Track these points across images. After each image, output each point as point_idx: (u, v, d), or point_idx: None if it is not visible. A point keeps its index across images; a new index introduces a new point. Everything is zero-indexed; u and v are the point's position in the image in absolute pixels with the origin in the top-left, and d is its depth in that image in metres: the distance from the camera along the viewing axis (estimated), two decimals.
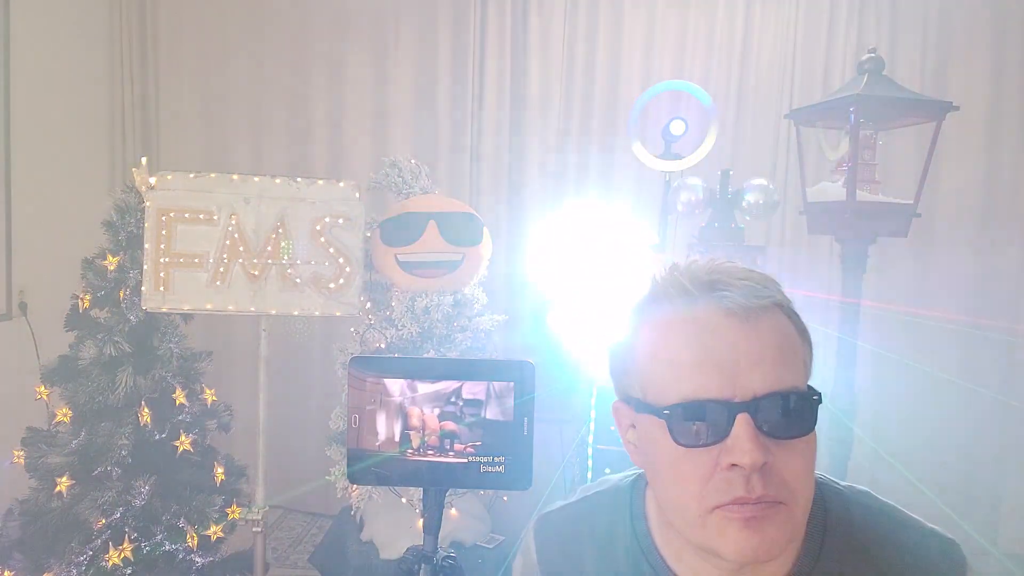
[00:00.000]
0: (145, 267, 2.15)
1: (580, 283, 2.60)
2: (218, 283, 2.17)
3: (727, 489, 0.67)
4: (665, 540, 0.80)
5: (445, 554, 0.88)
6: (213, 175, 2.20)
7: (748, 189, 2.44)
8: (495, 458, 0.84)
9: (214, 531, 2.28)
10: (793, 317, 0.73)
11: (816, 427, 0.71)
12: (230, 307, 2.19)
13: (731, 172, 2.51)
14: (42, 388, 2.21)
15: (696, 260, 0.76)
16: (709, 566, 0.75)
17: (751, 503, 0.67)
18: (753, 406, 0.67)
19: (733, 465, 0.67)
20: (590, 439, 2.28)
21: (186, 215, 2.17)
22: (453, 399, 0.84)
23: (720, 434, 0.68)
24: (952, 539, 0.79)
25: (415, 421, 0.84)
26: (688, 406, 0.69)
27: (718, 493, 0.68)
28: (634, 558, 0.82)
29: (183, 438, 2.27)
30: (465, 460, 0.84)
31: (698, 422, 0.68)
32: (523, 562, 0.92)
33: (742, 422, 0.67)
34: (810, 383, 0.72)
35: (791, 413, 0.68)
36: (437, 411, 0.83)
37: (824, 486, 0.80)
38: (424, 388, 0.84)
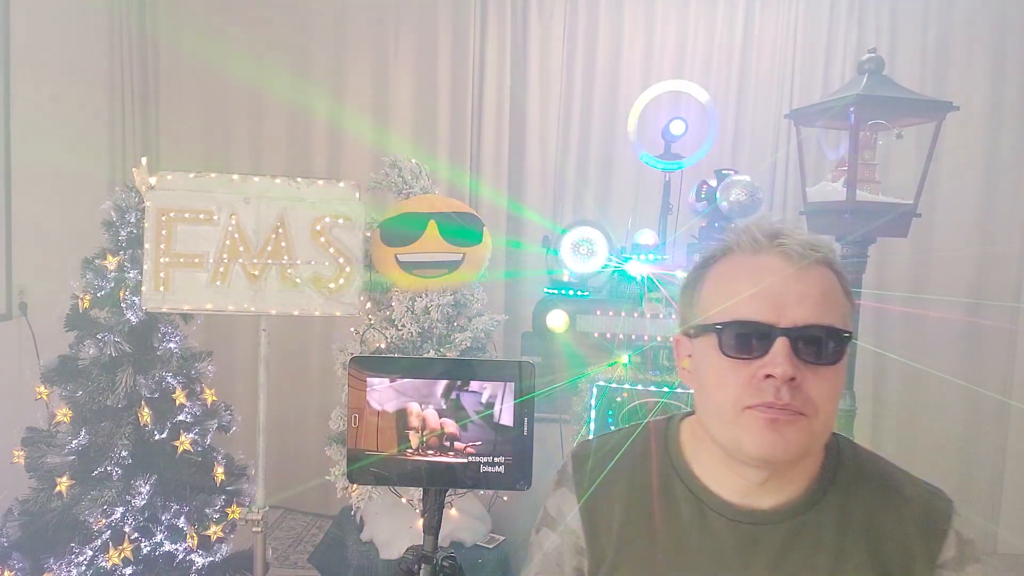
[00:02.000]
0: (145, 267, 2.14)
1: (580, 282, 2.60)
2: (218, 283, 2.17)
3: (759, 394, 0.80)
4: (696, 459, 0.92)
5: (445, 554, 0.88)
6: (213, 175, 2.20)
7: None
8: (495, 458, 0.84)
9: (214, 531, 2.28)
10: (841, 277, 0.85)
11: (844, 364, 0.82)
12: (230, 307, 2.19)
13: (730, 172, 2.51)
14: (42, 388, 2.20)
15: (766, 217, 0.93)
16: (736, 476, 0.87)
17: (777, 408, 0.79)
18: (792, 332, 0.80)
19: (768, 376, 0.79)
20: (590, 439, 2.28)
21: (186, 215, 2.17)
22: (453, 399, 0.84)
23: (762, 351, 0.80)
24: (941, 489, 0.91)
25: (415, 421, 0.84)
26: (738, 324, 0.82)
27: (751, 396, 0.80)
28: (666, 474, 0.93)
29: (183, 438, 2.26)
30: (465, 460, 0.84)
31: (744, 338, 0.81)
32: (559, 479, 1.00)
33: (781, 343, 0.79)
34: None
35: (823, 344, 0.80)
36: (437, 411, 0.84)
37: (842, 438, 0.94)
38: (424, 388, 0.84)
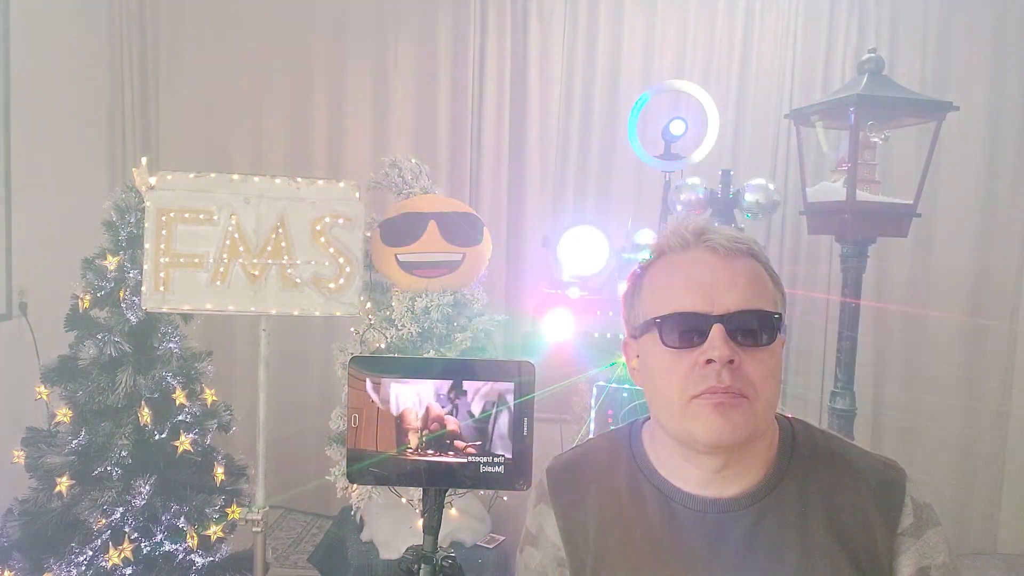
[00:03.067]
0: (145, 267, 2.14)
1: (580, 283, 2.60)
2: (218, 283, 2.17)
3: (702, 381, 0.84)
4: (659, 458, 0.95)
5: (445, 554, 0.88)
6: (213, 175, 2.20)
7: (748, 189, 2.44)
8: (495, 458, 0.84)
9: (214, 531, 2.28)
10: (767, 267, 0.91)
11: (777, 341, 0.87)
12: (230, 307, 2.19)
13: (731, 172, 2.50)
14: (42, 388, 2.20)
15: (690, 217, 0.96)
16: (694, 468, 0.91)
17: (720, 391, 0.83)
18: (726, 319, 0.84)
19: (708, 361, 0.84)
20: (590, 439, 2.28)
21: (186, 215, 2.17)
22: (453, 399, 0.84)
23: (699, 339, 0.85)
24: (894, 460, 0.94)
25: (414, 421, 0.84)
26: (676, 316, 0.87)
27: (695, 384, 0.84)
28: (633, 477, 0.96)
29: (183, 438, 2.26)
30: (465, 460, 0.84)
31: (683, 328, 0.86)
32: (536, 496, 1.03)
33: (716, 329, 0.84)
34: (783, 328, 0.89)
35: (756, 326, 0.86)
36: (437, 411, 0.83)
37: (796, 421, 0.98)
38: (424, 388, 0.84)
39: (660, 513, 0.92)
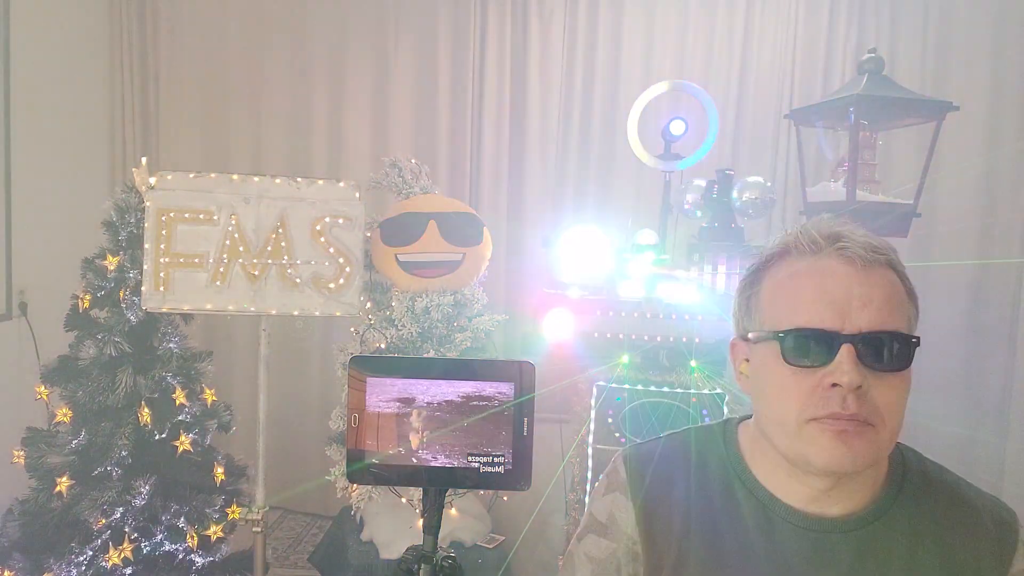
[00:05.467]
0: (145, 267, 2.14)
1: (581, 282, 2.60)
2: (218, 283, 2.17)
3: (824, 404, 0.77)
4: (757, 465, 0.89)
5: (445, 554, 0.88)
6: (213, 175, 2.20)
7: (743, 186, 2.44)
8: (495, 458, 0.84)
9: (214, 531, 2.28)
10: (903, 278, 0.83)
11: (911, 369, 0.80)
12: (230, 307, 2.19)
13: (731, 172, 2.51)
14: (42, 388, 2.20)
15: (825, 218, 0.86)
16: (799, 484, 0.85)
17: (844, 419, 0.77)
18: (857, 339, 0.77)
19: (834, 385, 0.77)
20: (590, 439, 2.28)
21: (186, 215, 2.17)
22: (453, 399, 0.84)
23: (826, 359, 0.78)
24: (1008, 506, 0.89)
25: (415, 421, 0.84)
26: (802, 332, 0.79)
27: (816, 407, 0.78)
28: (727, 480, 0.90)
29: (183, 438, 2.26)
30: (465, 460, 0.84)
31: (808, 346, 0.79)
32: (608, 483, 0.97)
33: (846, 351, 0.77)
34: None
35: (889, 350, 0.78)
36: (437, 411, 0.83)
37: (907, 448, 0.92)
38: (424, 388, 0.84)
39: (757, 522, 0.87)
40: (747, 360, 0.88)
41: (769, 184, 2.46)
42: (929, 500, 0.87)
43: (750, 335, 0.87)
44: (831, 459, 0.77)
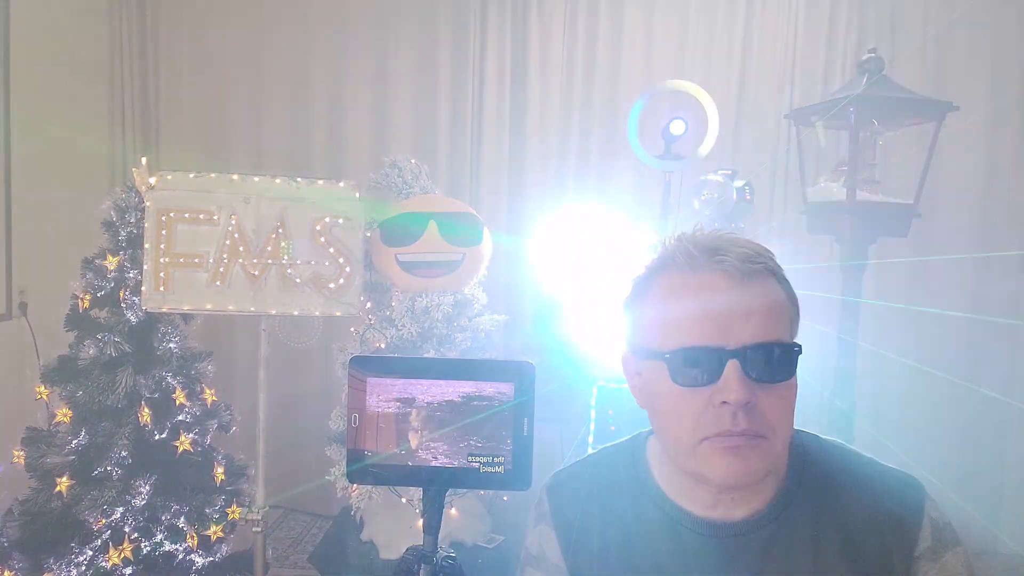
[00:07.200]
0: (145, 267, 2.14)
1: (582, 282, 2.60)
2: (218, 283, 2.17)
3: (716, 422, 0.78)
4: (664, 478, 0.91)
5: (445, 554, 0.88)
6: (213, 175, 2.20)
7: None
8: (495, 458, 0.84)
9: (214, 531, 2.28)
10: (783, 283, 0.84)
11: (796, 375, 0.81)
12: (230, 307, 2.19)
13: (731, 172, 2.51)
14: (42, 388, 2.20)
15: (701, 229, 0.87)
16: (702, 492, 0.86)
17: (736, 435, 0.77)
18: (741, 353, 0.78)
19: (723, 402, 0.77)
20: (590, 439, 2.28)
21: (186, 215, 2.17)
22: (453, 399, 0.84)
23: (713, 376, 0.78)
24: (912, 475, 0.89)
25: (414, 421, 0.84)
26: (687, 351, 0.79)
27: (708, 426, 0.79)
28: (637, 496, 0.92)
29: (183, 438, 2.26)
30: (465, 460, 0.84)
31: (694, 365, 0.79)
32: (536, 515, 0.98)
33: (732, 366, 0.77)
34: (797, 340, 0.83)
35: (774, 361, 0.79)
36: (437, 411, 0.83)
37: (805, 434, 0.92)
38: (424, 388, 0.84)
39: (667, 536, 0.88)
40: (639, 374, 0.88)
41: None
42: (830, 488, 0.87)
43: (638, 352, 0.87)
44: (727, 475, 0.79)
